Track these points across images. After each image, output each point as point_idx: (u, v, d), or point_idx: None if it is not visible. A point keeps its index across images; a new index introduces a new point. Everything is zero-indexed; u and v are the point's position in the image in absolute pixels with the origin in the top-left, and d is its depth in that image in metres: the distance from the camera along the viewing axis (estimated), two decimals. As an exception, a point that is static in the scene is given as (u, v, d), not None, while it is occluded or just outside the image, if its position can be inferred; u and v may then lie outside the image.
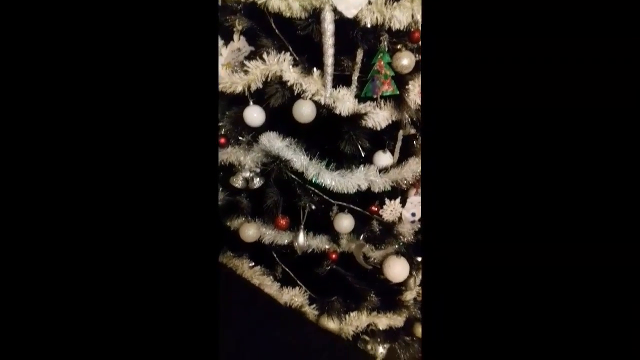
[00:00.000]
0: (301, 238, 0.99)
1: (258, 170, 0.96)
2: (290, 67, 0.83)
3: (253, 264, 1.05)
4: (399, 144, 0.92)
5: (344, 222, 0.95)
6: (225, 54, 0.87)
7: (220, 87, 0.87)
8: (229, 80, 0.86)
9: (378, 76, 0.80)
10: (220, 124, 0.97)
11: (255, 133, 0.93)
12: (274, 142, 0.89)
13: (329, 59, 0.78)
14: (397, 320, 1.07)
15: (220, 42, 0.87)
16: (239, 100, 0.91)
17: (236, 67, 0.87)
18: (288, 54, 0.83)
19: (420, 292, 1.07)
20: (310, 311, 1.03)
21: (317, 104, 0.85)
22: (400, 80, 0.82)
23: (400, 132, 0.91)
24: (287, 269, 1.06)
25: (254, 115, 0.89)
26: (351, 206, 0.96)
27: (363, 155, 0.91)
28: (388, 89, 0.81)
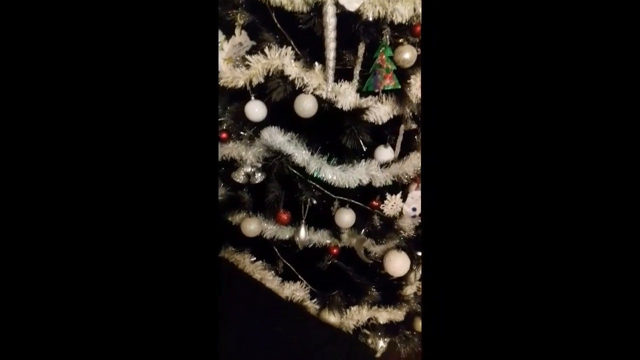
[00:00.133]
0: (302, 233, 0.99)
1: (259, 165, 0.96)
2: (292, 61, 0.83)
3: (254, 258, 1.05)
4: (400, 139, 0.92)
5: (345, 217, 0.95)
6: (227, 48, 0.86)
7: (221, 81, 0.87)
8: (231, 74, 0.86)
9: (380, 70, 0.80)
10: (221, 119, 0.97)
11: (257, 128, 0.93)
12: (275, 136, 0.89)
13: (330, 53, 0.78)
14: (397, 314, 1.07)
15: (222, 37, 0.87)
16: (241, 95, 0.91)
17: (238, 62, 0.87)
18: (290, 48, 0.83)
19: (420, 286, 1.07)
20: (312, 305, 1.03)
21: (318, 98, 0.85)
22: (402, 74, 0.82)
23: (402, 127, 0.91)
24: (288, 264, 1.06)
25: (256, 110, 0.89)
26: (352, 201, 0.96)
27: (364, 149, 0.91)
28: (390, 83, 0.81)
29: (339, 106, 0.84)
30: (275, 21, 0.83)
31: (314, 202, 0.97)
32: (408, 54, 0.79)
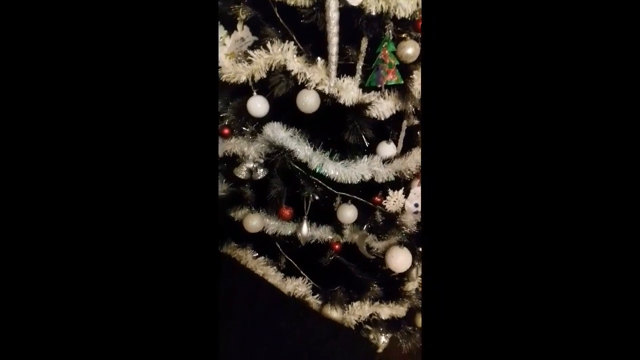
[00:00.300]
0: (305, 228, 0.99)
1: (262, 160, 0.96)
2: (294, 56, 0.83)
3: (257, 254, 1.06)
4: (402, 135, 0.92)
5: (348, 213, 0.95)
6: (229, 43, 0.86)
7: (223, 77, 0.87)
8: (233, 70, 0.86)
9: (382, 65, 0.80)
10: (223, 114, 0.96)
11: (259, 123, 0.93)
12: (277, 132, 0.89)
13: (333, 48, 0.78)
14: (399, 310, 1.07)
15: (224, 32, 0.87)
16: (243, 91, 0.90)
17: (240, 57, 0.87)
18: (292, 43, 0.82)
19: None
20: (314, 301, 1.04)
21: (321, 93, 0.85)
22: (405, 69, 0.81)
23: (404, 123, 0.91)
24: (290, 260, 1.06)
25: (258, 105, 0.89)
26: (354, 197, 0.96)
27: (367, 145, 0.91)
28: (392, 78, 0.81)
29: (342, 101, 0.84)
30: (278, 16, 0.83)
31: (316, 197, 0.97)
32: (411, 49, 0.79)
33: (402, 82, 0.82)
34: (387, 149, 0.92)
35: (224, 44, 0.86)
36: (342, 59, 0.82)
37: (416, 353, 1.10)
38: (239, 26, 0.86)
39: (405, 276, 1.06)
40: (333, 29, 0.76)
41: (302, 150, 0.89)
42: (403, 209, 0.96)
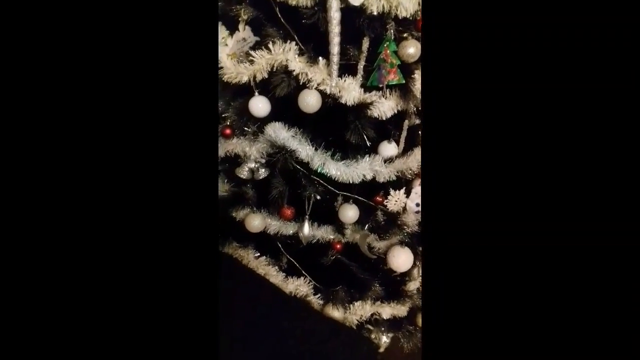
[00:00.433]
0: (306, 228, 1.00)
1: (263, 160, 0.96)
2: (296, 56, 0.83)
3: (258, 254, 1.06)
4: (404, 134, 0.92)
5: (349, 213, 0.95)
6: (231, 44, 0.86)
7: (225, 77, 0.87)
8: (235, 70, 0.86)
9: (384, 65, 0.80)
10: (225, 114, 0.97)
11: (261, 124, 0.93)
12: (279, 132, 0.89)
13: (334, 48, 0.78)
14: (400, 310, 1.07)
15: (226, 32, 0.87)
16: (244, 91, 0.91)
17: (241, 57, 0.87)
18: (294, 43, 0.83)
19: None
20: (315, 301, 1.04)
21: (322, 93, 0.85)
22: (407, 69, 0.81)
23: (406, 122, 0.91)
24: (292, 259, 1.06)
25: (259, 105, 0.89)
26: (356, 196, 0.96)
27: (368, 145, 0.91)
28: (394, 78, 0.81)
29: (343, 101, 0.84)
30: (279, 16, 0.83)
31: (318, 197, 0.97)
32: (412, 49, 0.79)
33: (404, 81, 0.82)
34: (389, 148, 0.92)
35: (226, 45, 0.86)
36: (344, 58, 0.83)
37: (417, 352, 1.10)
38: (241, 26, 0.86)
39: (406, 276, 1.06)
40: (335, 28, 0.76)
41: (304, 150, 0.89)
42: (404, 209, 0.96)
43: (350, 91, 0.83)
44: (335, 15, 0.75)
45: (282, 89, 0.85)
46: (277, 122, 0.90)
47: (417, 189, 0.95)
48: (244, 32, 0.87)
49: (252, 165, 0.97)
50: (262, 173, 0.98)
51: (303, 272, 1.06)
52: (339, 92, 0.84)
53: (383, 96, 0.85)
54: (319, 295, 1.04)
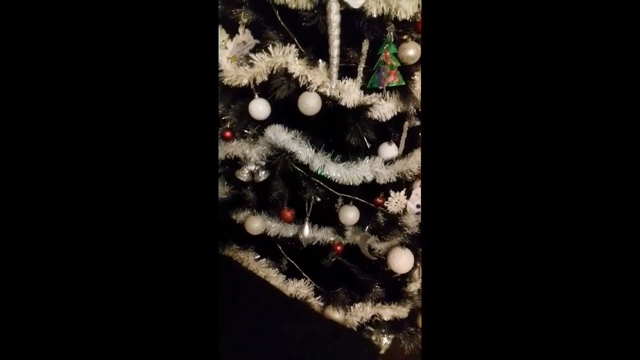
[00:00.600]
0: (306, 230, 1.00)
1: (263, 163, 0.96)
2: (296, 59, 0.83)
3: (259, 256, 1.06)
4: (404, 136, 0.93)
5: (349, 214, 0.95)
6: (231, 47, 0.87)
7: (225, 80, 0.88)
8: (235, 73, 0.86)
9: (384, 67, 0.80)
10: (225, 117, 0.97)
11: (261, 126, 0.93)
12: (279, 134, 0.89)
13: (334, 51, 0.78)
14: (401, 311, 1.07)
15: (226, 35, 0.87)
16: (245, 94, 0.91)
17: (241, 60, 0.87)
18: (293, 46, 0.83)
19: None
20: (316, 302, 1.04)
21: (322, 96, 0.85)
22: (406, 71, 0.82)
23: (406, 124, 0.91)
24: (292, 261, 1.06)
25: (260, 108, 0.89)
26: (356, 198, 0.96)
27: (368, 147, 0.91)
28: (394, 80, 0.81)
29: (343, 103, 0.84)
30: (279, 19, 0.83)
31: (318, 199, 0.97)
32: (412, 51, 0.79)
33: (404, 83, 0.82)
34: (389, 150, 0.92)
35: (226, 48, 0.86)
36: (344, 61, 0.83)
37: (418, 354, 1.10)
38: (241, 30, 0.86)
39: (407, 277, 1.06)
40: (334, 31, 0.76)
41: (304, 152, 0.89)
42: (405, 210, 0.97)
43: (350, 93, 0.84)
44: (334, 18, 0.75)
45: (282, 92, 0.86)
46: (277, 125, 0.90)
47: (417, 191, 0.95)
48: (244, 35, 0.87)
49: (252, 167, 0.97)
50: (262, 175, 0.98)
51: (303, 274, 1.06)
52: (339, 94, 0.84)
53: (383, 98, 0.85)
54: (319, 297, 1.04)
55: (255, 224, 1.00)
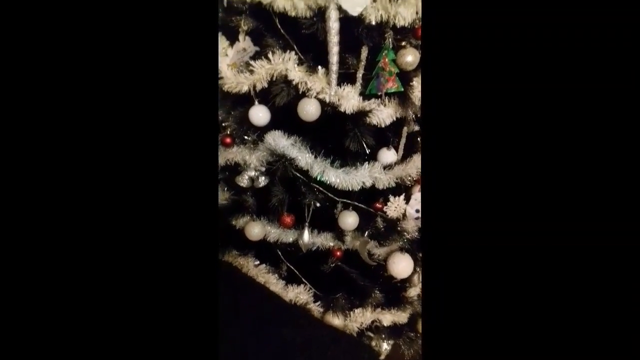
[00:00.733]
0: (306, 236, 1.00)
1: (263, 169, 0.97)
2: (295, 66, 0.84)
3: (258, 262, 1.06)
4: (403, 141, 0.93)
5: (349, 220, 0.95)
6: (231, 54, 0.87)
7: (226, 87, 0.88)
8: (235, 80, 0.87)
9: (382, 73, 0.81)
10: (226, 123, 0.97)
11: (261, 132, 0.94)
12: (279, 140, 0.90)
13: (333, 57, 0.79)
14: (401, 316, 1.07)
15: (226, 43, 0.88)
16: (245, 100, 0.92)
17: (242, 67, 0.88)
18: (293, 53, 0.84)
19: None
20: (315, 308, 1.04)
21: (322, 102, 0.86)
22: (405, 77, 0.83)
23: (405, 129, 0.92)
24: (292, 267, 1.06)
25: (259, 114, 0.90)
26: (356, 203, 0.96)
27: (367, 152, 0.92)
28: (392, 86, 0.82)
29: (342, 109, 0.85)
30: (279, 27, 0.84)
31: (318, 205, 0.98)
32: (410, 57, 0.80)
33: (402, 89, 0.83)
34: (388, 155, 0.93)
35: (226, 55, 0.87)
36: (343, 67, 0.84)
37: (418, 359, 1.10)
38: (241, 37, 0.87)
39: (407, 282, 1.06)
40: (333, 38, 0.77)
41: (303, 158, 0.90)
42: (404, 215, 0.97)
43: (349, 99, 0.84)
44: (334, 25, 0.76)
45: (282, 98, 0.86)
46: (276, 131, 0.91)
47: (416, 195, 0.96)
48: (244, 43, 0.88)
49: (252, 173, 0.98)
50: (262, 181, 0.98)
51: (303, 279, 1.06)
52: (338, 100, 0.85)
53: (382, 104, 0.86)
54: (319, 302, 1.04)
55: (255, 230, 1.00)
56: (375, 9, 0.76)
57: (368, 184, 0.90)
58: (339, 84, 0.84)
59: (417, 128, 0.93)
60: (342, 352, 0.98)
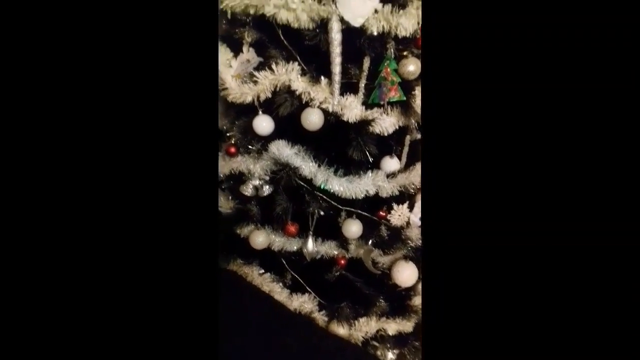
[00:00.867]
0: (310, 244, 1.00)
1: (267, 178, 0.97)
2: (299, 76, 0.85)
3: (263, 270, 1.06)
4: (406, 149, 0.94)
5: (353, 228, 0.96)
6: (235, 65, 0.88)
7: (230, 97, 0.89)
8: (239, 90, 0.88)
9: (385, 83, 0.82)
10: (230, 133, 0.98)
11: (265, 142, 0.95)
12: (283, 150, 0.91)
13: (336, 68, 0.80)
14: (406, 325, 1.06)
15: (230, 54, 0.89)
16: (249, 110, 0.93)
17: (246, 78, 0.89)
18: (296, 63, 0.85)
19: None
20: (320, 317, 1.03)
21: (325, 111, 0.87)
22: (407, 86, 0.83)
23: (407, 138, 0.93)
24: (296, 276, 1.06)
25: (263, 124, 0.91)
26: (359, 212, 0.96)
27: (371, 160, 0.92)
28: (395, 95, 0.83)
29: (345, 119, 0.86)
30: (282, 38, 0.86)
31: (322, 213, 0.98)
32: (412, 66, 0.81)
33: (405, 98, 0.84)
34: (391, 163, 0.93)
35: (230, 66, 0.88)
36: (345, 77, 0.85)
37: (424, 368, 1.09)
38: (245, 48, 0.88)
39: (411, 291, 1.06)
40: (336, 49, 0.78)
41: (307, 166, 0.91)
42: (408, 223, 0.97)
43: (352, 109, 0.85)
44: (336, 36, 0.77)
45: (286, 108, 0.87)
46: (280, 140, 0.92)
47: (420, 203, 0.96)
48: (248, 54, 0.89)
49: (257, 182, 0.98)
50: (266, 190, 0.99)
51: (307, 288, 1.06)
52: (341, 110, 0.86)
53: (384, 113, 0.87)
54: (323, 311, 1.04)
55: (260, 239, 1.00)
56: (377, 20, 0.77)
57: (371, 192, 0.91)
58: (341, 94, 0.85)
59: (419, 136, 0.93)
60: (347, 361, 0.97)
